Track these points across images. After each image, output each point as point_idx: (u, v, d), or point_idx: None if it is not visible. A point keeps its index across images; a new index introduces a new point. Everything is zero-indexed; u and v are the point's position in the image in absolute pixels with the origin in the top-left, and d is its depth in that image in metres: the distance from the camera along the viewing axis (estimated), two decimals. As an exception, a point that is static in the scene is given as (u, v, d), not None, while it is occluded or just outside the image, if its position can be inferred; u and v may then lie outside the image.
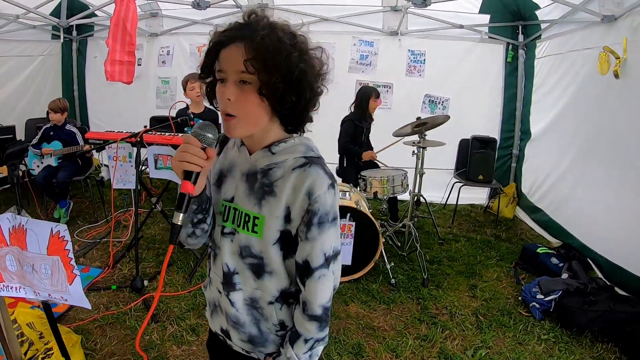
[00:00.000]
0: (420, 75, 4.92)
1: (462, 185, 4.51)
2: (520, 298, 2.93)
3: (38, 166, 3.93)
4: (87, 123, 6.58)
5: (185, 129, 3.59)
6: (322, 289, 0.99)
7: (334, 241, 0.99)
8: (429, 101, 4.98)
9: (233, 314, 1.07)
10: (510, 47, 4.75)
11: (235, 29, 0.93)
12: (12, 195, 4.48)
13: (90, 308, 1.53)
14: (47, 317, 1.63)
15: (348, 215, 3.11)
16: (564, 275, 2.94)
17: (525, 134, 4.71)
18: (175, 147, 3.07)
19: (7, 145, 4.00)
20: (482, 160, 4.49)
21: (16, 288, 1.43)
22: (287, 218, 0.98)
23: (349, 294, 3.02)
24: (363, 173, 3.63)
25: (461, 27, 4.69)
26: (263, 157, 1.01)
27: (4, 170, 2.79)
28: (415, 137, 3.54)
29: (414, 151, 3.39)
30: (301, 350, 1.02)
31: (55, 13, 5.24)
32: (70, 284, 1.40)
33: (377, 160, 4.07)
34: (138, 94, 5.68)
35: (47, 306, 1.60)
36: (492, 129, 4.91)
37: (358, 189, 3.60)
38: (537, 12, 4.27)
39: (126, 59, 4.37)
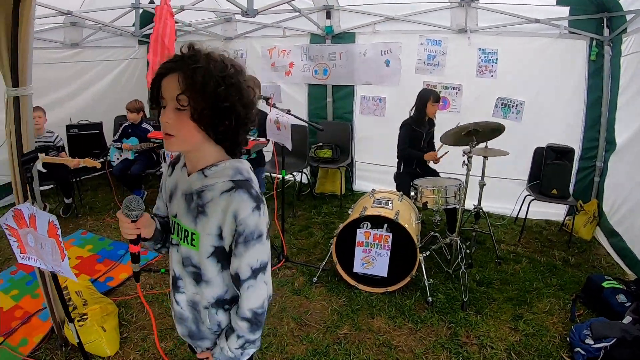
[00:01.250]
0: (492, 75, 4.53)
1: (533, 200, 4.09)
2: (567, 339, 2.60)
3: (118, 159, 4.51)
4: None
5: None
6: (251, 296, 1.14)
7: (260, 255, 1.13)
8: (502, 105, 4.58)
9: (178, 310, 1.27)
10: (595, 42, 4.13)
11: (173, 61, 1.06)
12: (104, 182, 5.19)
13: (76, 280, 1.95)
14: (53, 283, 2.08)
15: (385, 225, 3.04)
16: (627, 319, 2.51)
17: (610, 144, 4.09)
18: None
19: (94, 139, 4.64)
20: (556, 172, 4.02)
21: (34, 259, 1.86)
22: (220, 236, 1.12)
23: (378, 306, 2.97)
24: (416, 181, 3.51)
25: (537, 21, 4.19)
26: (197, 179, 1.15)
27: (90, 163, 3.27)
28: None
29: (464, 161, 3.17)
30: (233, 345, 1.19)
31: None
32: (62, 261, 1.76)
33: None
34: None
35: (54, 275, 1.99)
36: (572, 138, 4.35)
37: (411, 197, 3.51)
38: (621, 1, 3.64)
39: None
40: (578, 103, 4.31)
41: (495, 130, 3.23)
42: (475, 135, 3.16)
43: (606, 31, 4.07)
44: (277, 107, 3.29)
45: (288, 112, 3.31)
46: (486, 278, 3.39)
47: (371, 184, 5.01)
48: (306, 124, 3.31)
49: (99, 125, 5.20)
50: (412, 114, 3.85)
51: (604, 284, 2.96)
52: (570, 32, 4.19)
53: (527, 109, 4.49)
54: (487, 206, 4.58)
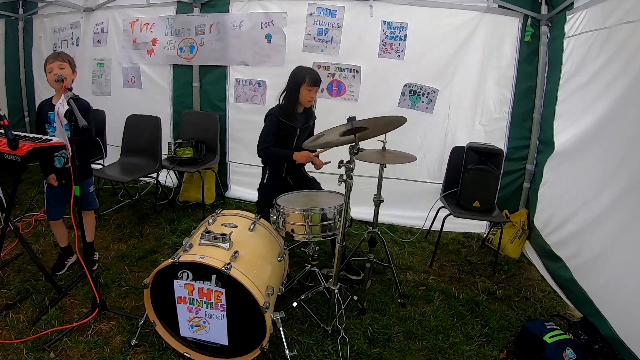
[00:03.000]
0: (398, 56, 3.58)
1: (448, 215, 3.17)
2: None
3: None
4: (34, 109, 5.81)
5: (46, 125, 2.62)
6: None
7: None
8: (410, 92, 3.64)
9: None
10: (530, 21, 3.31)
11: None
12: None
13: None
14: None
15: (213, 277, 1.93)
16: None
17: (547, 145, 3.27)
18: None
19: None
20: (479, 180, 3.12)
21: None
22: None
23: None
24: (279, 199, 2.44)
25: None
26: None
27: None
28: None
29: (340, 177, 2.10)
30: None
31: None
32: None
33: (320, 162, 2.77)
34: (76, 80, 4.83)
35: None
36: (497, 135, 3.54)
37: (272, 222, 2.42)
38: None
39: None
40: (505, 93, 3.47)
41: (390, 124, 2.22)
42: (359, 134, 2.11)
43: (544, 8, 3.28)
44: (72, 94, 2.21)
45: (75, 98, 2.16)
46: (383, 331, 2.39)
47: (250, 190, 3.99)
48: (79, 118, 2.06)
49: None
50: (280, 101, 2.76)
51: (547, 338, 2.13)
52: (500, 6, 3.34)
53: (441, 99, 3.59)
54: (391, 216, 3.73)
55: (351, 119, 1.93)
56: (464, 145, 3.28)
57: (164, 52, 4.16)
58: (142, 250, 3.18)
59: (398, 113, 3.55)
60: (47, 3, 5.18)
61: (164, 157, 3.79)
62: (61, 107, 2.20)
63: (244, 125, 4.03)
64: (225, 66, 3.99)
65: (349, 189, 2.08)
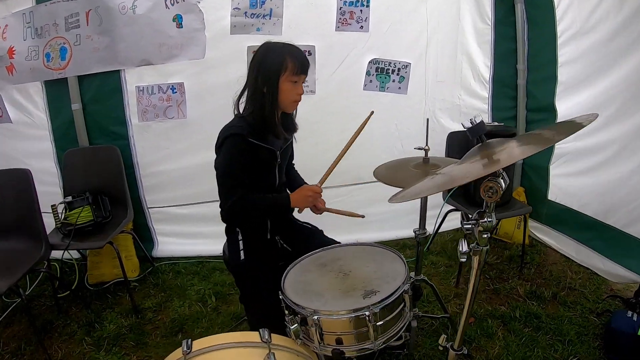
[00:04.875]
0: (361, 27, 2.76)
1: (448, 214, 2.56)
2: None
3: None
4: None
5: None
6: None
7: None
8: (377, 70, 2.88)
9: None
10: None
11: None
12: None
13: None
14: None
15: None
16: None
17: (545, 112, 2.86)
18: None
19: None
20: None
21: None
22: None
23: None
24: (288, 290, 1.40)
25: None
26: None
27: None
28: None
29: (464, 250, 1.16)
30: None
31: None
32: None
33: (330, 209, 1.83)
34: None
35: None
36: (480, 110, 3.05)
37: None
38: None
39: None
40: (485, 61, 2.97)
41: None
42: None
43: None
44: None
45: None
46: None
47: (185, 240, 3.00)
48: None
49: None
50: (243, 111, 1.68)
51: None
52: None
53: (414, 75, 2.92)
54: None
55: (476, 129, 1.09)
56: (450, 127, 2.73)
57: (26, 65, 2.67)
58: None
59: (364, 98, 2.84)
60: None
61: (49, 229, 2.36)
62: None
63: (160, 154, 2.83)
64: (118, 71, 2.66)
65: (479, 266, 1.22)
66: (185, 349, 1.18)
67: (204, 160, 2.70)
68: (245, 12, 2.62)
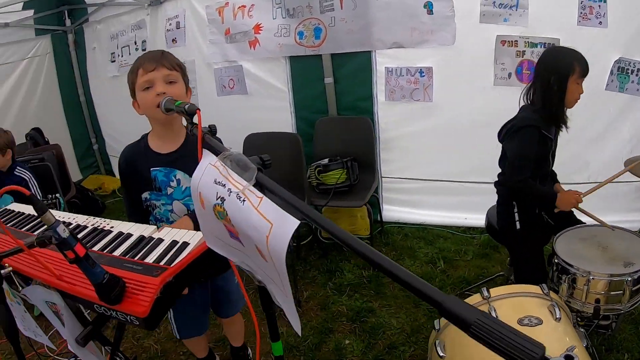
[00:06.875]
0: (600, 23, 2.59)
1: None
2: None
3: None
4: (102, 136, 5.11)
5: (148, 195, 1.50)
6: None
7: None
8: (619, 70, 2.65)
9: None
10: None
11: None
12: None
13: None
14: None
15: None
16: None
17: None
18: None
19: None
20: None
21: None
22: None
23: None
24: (561, 252, 1.72)
25: None
26: None
27: None
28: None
29: None
30: None
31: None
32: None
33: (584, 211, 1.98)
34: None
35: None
36: None
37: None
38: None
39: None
40: None
41: None
42: None
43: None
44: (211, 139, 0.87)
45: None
46: None
47: (408, 209, 3.30)
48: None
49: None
50: (528, 100, 1.96)
51: None
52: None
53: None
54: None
55: None
56: None
57: (275, 40, 3.22)
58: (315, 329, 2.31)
59: (605, 98, 2.70)
60: (99, 6, 4.38)
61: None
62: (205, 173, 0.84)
63: (402, 131, 3.13)
64: (370, 52, 3.02)
65: None
66: (486, 294, 1.51)
67: (446, 143, 2.98)
68: (494, 2, 2.71)
